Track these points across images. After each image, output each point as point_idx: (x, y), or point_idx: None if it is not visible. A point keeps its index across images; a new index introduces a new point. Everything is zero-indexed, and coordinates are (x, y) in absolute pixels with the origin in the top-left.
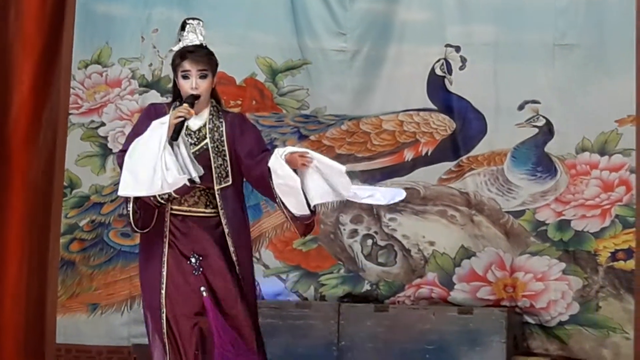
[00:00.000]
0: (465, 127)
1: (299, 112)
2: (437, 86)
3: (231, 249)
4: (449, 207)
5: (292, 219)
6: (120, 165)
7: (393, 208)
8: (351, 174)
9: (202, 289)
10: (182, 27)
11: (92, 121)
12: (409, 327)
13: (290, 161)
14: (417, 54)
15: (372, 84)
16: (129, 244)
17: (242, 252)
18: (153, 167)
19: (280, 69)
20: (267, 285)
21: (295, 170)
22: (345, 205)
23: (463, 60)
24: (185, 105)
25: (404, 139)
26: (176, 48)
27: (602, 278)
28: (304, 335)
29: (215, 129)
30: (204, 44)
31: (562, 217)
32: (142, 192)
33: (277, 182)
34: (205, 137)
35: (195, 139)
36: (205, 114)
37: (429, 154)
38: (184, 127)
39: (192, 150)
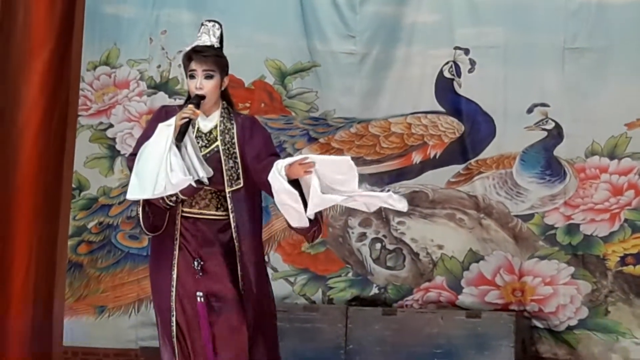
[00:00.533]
0: (474, 130)
1: (308, 114)
2: (446, 89)
3: (237, 252)
4: (458, 210)
5: (293, 229)
6: (130, 169)
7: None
8: (360, 177)
9: (199, 294)
10: (200, 29)
11: (101, 123)
12: (417, 331)
13: (292, 173)
14: (426, 57)
15: (381, 86)
16: (137, 247)
17: (249, 256)
18: (158, 169)
19: (290, 72)
20: (275, 288)
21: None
22: (354, 208)
23: (472, 62)
24: (190, 106)
25: (413, 141)
26: (187, 49)
27: (611, 282)
28: (311, 338)
29: (226, 131)
30: (216, 46)
31: (571, 221)
32: (147, 195)
33: (275, 197)
34: (216, 140)
35: (206, 141)
36: (216, 116)
37: (438, 156)
38: (194, 128)
39: (203, 153)
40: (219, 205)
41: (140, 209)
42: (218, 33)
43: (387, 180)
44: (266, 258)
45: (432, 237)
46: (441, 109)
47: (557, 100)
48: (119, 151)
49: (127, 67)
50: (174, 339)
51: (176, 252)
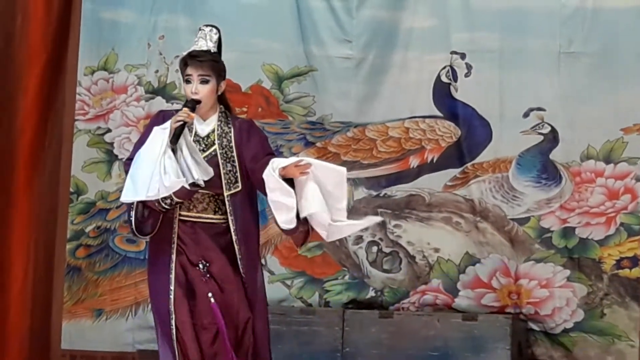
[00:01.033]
0: (470, 134)
1: (305, 119)
2: (442, 93)
3: (238, 255)
4: (454, 213)
5: (282, 230)
6: (127, 173)
7: (398, 215)
8: (357, 181)
9: (210, 295)
10: (197, 34)
11: (99, 127)
12: (414, 334)
13: (287, 173)
14: (423, 61)
15: (377, 91)
16: (135, 250)
17: (249, 260)
18: (152, 171)
19: (286, 76)
20: (272, 291)
21: (291, 180)
22: (350, 211)
23: (468, 67)
24: (185, 109)
25: (410, 145)
26: (184, 54)
27: (606, 285)
28: (308, 341)
29: (223, 135)
30: (212, 50)
31: (567, 225)
32: (140, 197)
33: (268, 194)
34: (214, 143)
35: (203, 145)
36: (213, 120)
37: (434, 160)
38: (191, 132)
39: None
40: (216, 209)
41: (134, 212)
42: (215, 38)
43: (384, 184)
44: (263, 261)
45: (428, 240)
46: (438, 113)
47: (553, 105)
48: (116, 156)
49: (125, 72)
50: (174, 342)
51: (174, 256)
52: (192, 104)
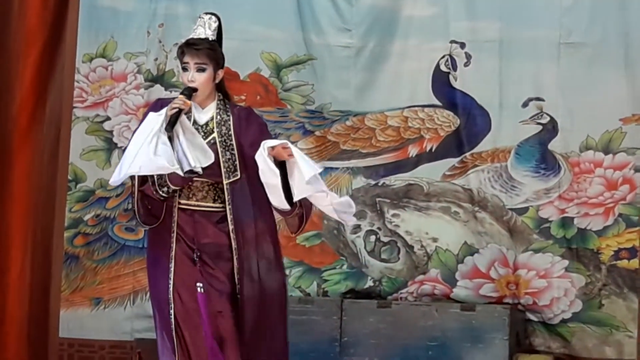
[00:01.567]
0: (469, 123)
1: (304, 107)
2: (441, 82)
3: (234, 245)
4: (453, 203)
5: (279, 213)
6: None
7: (396, 204)
8: (356, 170)
9: (199, 284)
10: (196, 22)
11: (97, 115)
12: (412, 324)
13: (277, 154)
14: (422, 50)
15: (377, 79)
16: (133, 239)
17: (246, 249)
18: (138, 150)
19: (285, 65)
20: None
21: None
22: None
23: (468, 56)
24: (180, 96)
25: (409, 135)
26: (182, 41)
27: (605, 276)
28: (306, 331)
29: (222, 122)
30: (211, 38)
31: (566, 215)
32: (122, 174)
33: (260, 176)
34: (213, 131)
35: (202, 133)
36: (212, 108)
37: (433, 150)
38: (190, 121)
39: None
40: (216, 197)
41: (136, 201)
42: (215, 26)
43: (382, 173)
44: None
45: (426, 230)
46: (437, 102)
47: (552, 95)
48: (116, 144)
49: (125, 60)
50: (173, 332)
51: (173, 245)
52: (189, 92)
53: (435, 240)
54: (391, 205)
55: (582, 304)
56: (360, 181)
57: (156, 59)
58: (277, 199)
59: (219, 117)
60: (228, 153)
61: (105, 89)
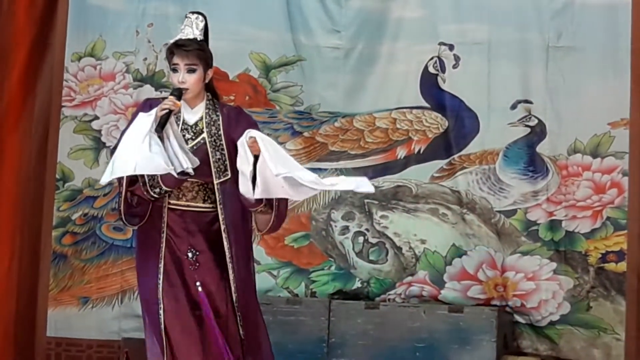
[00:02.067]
0: (457, 125)
1: (293, 108)
2: (430, 84)
3: (226, 245)
4: (441, 205)
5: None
6: None
7: (385, 206)
8: (344, 171)
9: (198, 283)
10: (183, 22)
11: (86, 114)
12: (400, 325)
13: (251, 147)
14: (411, 52)
15: (365, 81)
16: (121, 238)
17: (239, 249)
18: (132, 151)
19: (274, 65)
20: (258, 281)
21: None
22: (337, 201)
23: (456, 58)
24: (171, 97)
25: (397, 136)
26: (171, 42)
27: (592, 278)
28: (294, 331)
29: (212, 123)
30: (199, 38)
31: (553, 217)
32: (115, 174)
33: (237, 161)
34: (202, 132)
35: (192, 134)
36: (201, 108)
37: (422, 151)
38: (179, 121)
39: (190, 145)
40: (206, 198)
41: (123, 199)
42: (202, 25)
43: (371, 174)
44: None
45: (415, 232)
46: (426, 104)
47: (541, 98)
48: (104, 143)
49: (113, 59)
50: (162, 332)
51: (163, 245)
52: (179, 92)
53: (423, 241)
54: (379, 206)
55: (570, 306)
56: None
57: (145, 59)
58: (245, 187)
59: (208, 117)
60: (218, 153)
61: (94, 88)
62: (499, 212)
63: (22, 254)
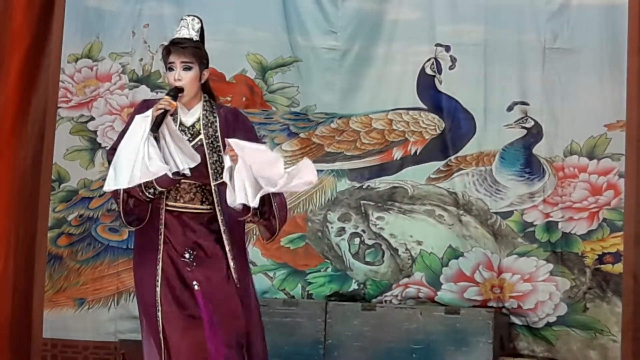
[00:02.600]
0: (454, 126)
1: (289, 109)
2: (427, 85)
3: (227, 246)
4: (437, 206)
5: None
6: (110, 162)
7: (381, 207)
8: (340, 172)
9: (195, 283)
10: (179, 23)
11: (82, 115)
12: (396, 327)
13: (230, 155)
14: (407, 53)
15: (362, 82)
16: (117, 239)
17: (237, 249)
18: (134, 159)
19: (271, 66)
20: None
21: None
22: (333, 203)
23: (453, 60)
24: (166, 97)
25: (393, 137)
26: (166, 43)
27: (589, 280)
28: (290, 333)
29: (209, 124)
30: (195, 39)
31: (550, 219)
32: (122, 185)
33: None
34: (200, 133)
35: (189, 135)
36: (198, 110)
37: (418, 153)
38: (176, 122)
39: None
40: (203, 199)
41: (121, 201)
42: (197, 27)
43: (367, 175)
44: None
45: (411, 233)
46: (422, 105)
47: (537, 99)
48: (100, 144)
49: (110, 60)
50: (160, 334)
51: (161, 247)
52: (175, 93)
53: (419, 243)
54: (376, 208)
55: (567, 308)
56: (344, 184)
57: (141, 60)
58: (228, 195)
59: (205, 118)
60: (215, 155)
61: (90, 89)
62: (496, 213)
63: (18, 255)
